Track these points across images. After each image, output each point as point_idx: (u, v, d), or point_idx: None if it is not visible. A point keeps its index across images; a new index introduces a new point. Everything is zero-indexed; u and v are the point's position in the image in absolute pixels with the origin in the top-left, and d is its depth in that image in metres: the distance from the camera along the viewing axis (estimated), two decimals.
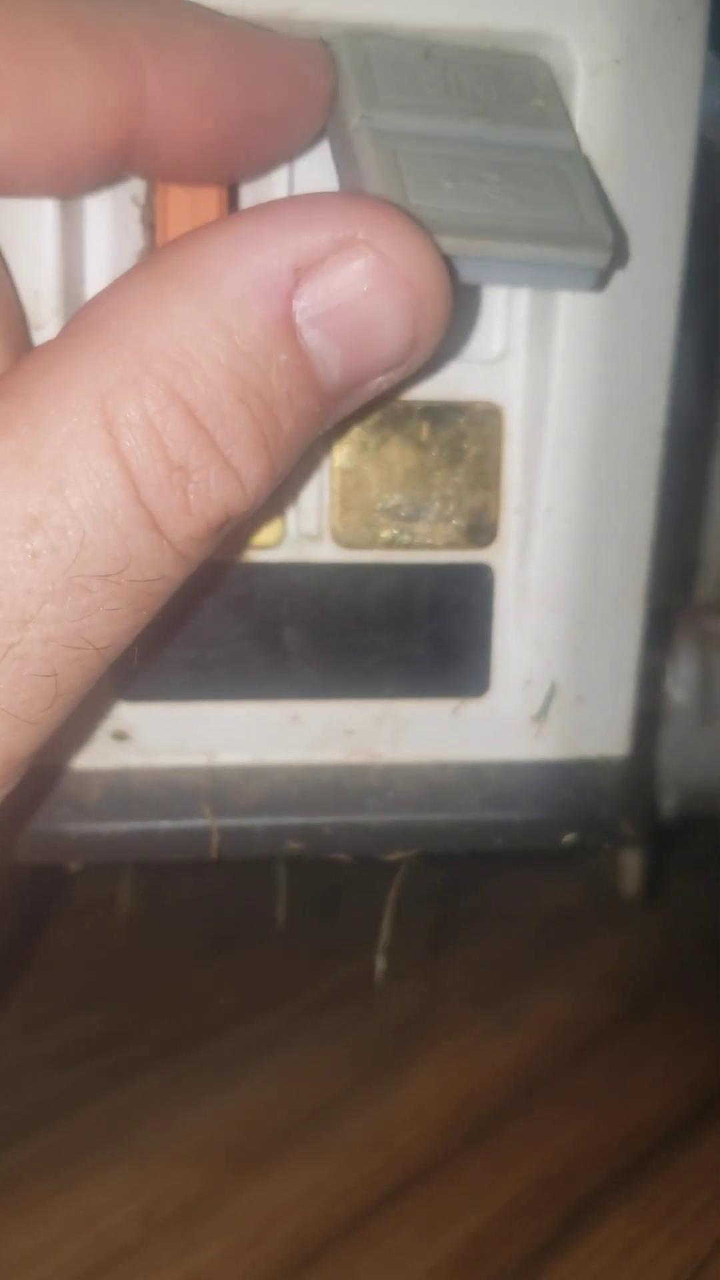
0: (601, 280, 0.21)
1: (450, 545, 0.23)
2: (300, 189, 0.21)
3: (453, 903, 0.38)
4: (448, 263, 0.17)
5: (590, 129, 0.21)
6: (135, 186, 0.21)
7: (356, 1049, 0.32)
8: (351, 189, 0.20)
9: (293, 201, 0.17)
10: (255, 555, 0.22)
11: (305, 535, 0.22)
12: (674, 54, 0.21)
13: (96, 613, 0.16)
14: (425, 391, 0.22)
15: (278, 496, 0.22)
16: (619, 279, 0.22)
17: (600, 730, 0.24)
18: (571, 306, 0.21)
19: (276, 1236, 0.27)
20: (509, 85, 0.20)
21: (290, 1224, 0.27)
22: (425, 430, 0.22)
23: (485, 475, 0.23)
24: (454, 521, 0.23)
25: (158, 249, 0.17)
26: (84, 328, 0.16)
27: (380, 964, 0.28)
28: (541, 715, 0.23)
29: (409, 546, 0.23)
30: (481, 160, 0.19)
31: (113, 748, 0.22)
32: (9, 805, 0.18)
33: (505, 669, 0.23)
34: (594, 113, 0.21)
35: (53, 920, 0.36)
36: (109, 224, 0.21)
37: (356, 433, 0.22)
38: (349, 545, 0.22)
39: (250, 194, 0.21)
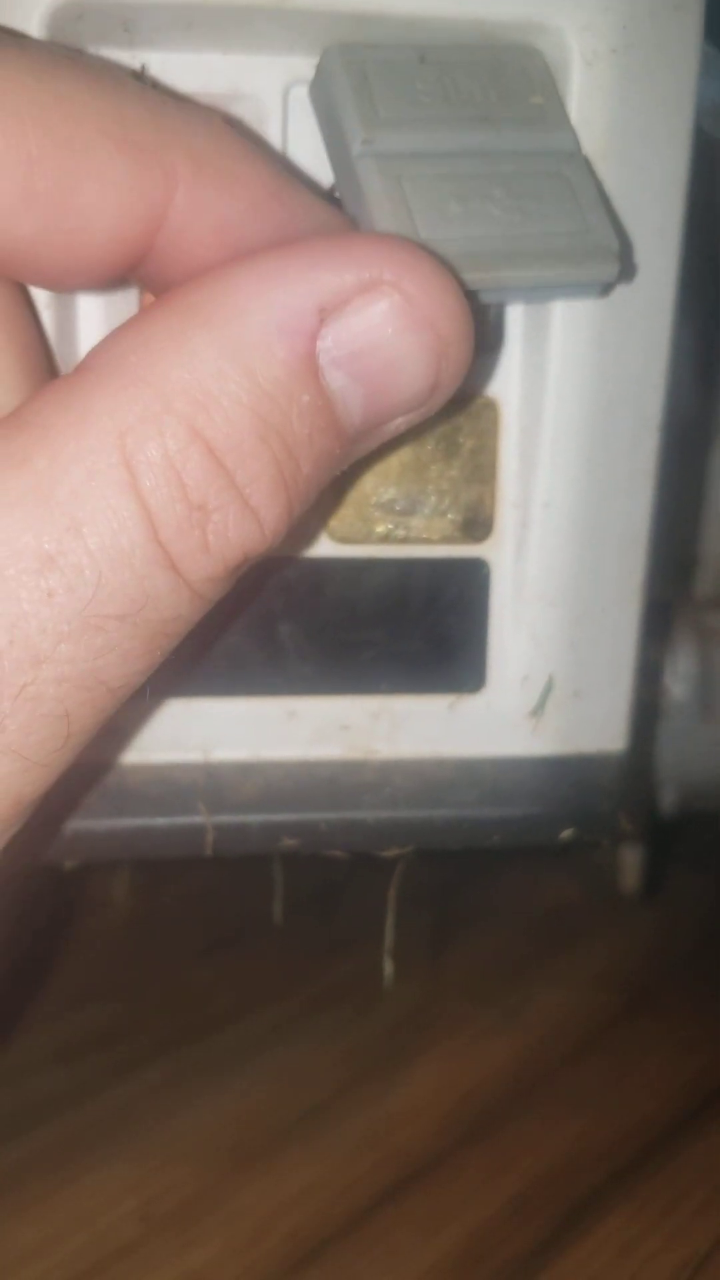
0: (609, 289, 0.21)
1: (446, 540, 0.23)
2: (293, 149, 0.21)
3: (450, 900, 0.38)
4: (469, 299, 0.17)
5: (586, 119, 0.21)
6: None
7: (355, 1047, 0.32)
8: (357, 217, 0.20)
9: (319, 240, 0.17)
10: None
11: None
12: (670, 43, 0.21)
13: (111, 653, 0.16)
14: None
15: None
16: None
17: (597, 725, 0.23)
18: (567, 301, 0.21)
19: (275, 1234, 0.27)
20: (506, 83, 0.20)
21: (289, 1222, 0.27)
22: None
23: (481, 469, 0.22)
24: (449, 516, 0.23)
25: (179, 285, 0.17)
26: (104, 363, 0.16)
27: (388, 966, 0.28)
28: (538, 710, 0.23)
29: (404, 541, 0.23)
30: (486, 174, 0.19)
31: (108, 744, 0.22)
32: (14, 845, 0.17)
33: (502, 664, 0.23)
34: (590, 103, 0.21)
35: (51, 919, 0.36)
36: None
37: None
38: (344, 540, 0.22)
39: None
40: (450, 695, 0.23)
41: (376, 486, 0.22)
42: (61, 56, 0.17)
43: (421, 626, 0.23)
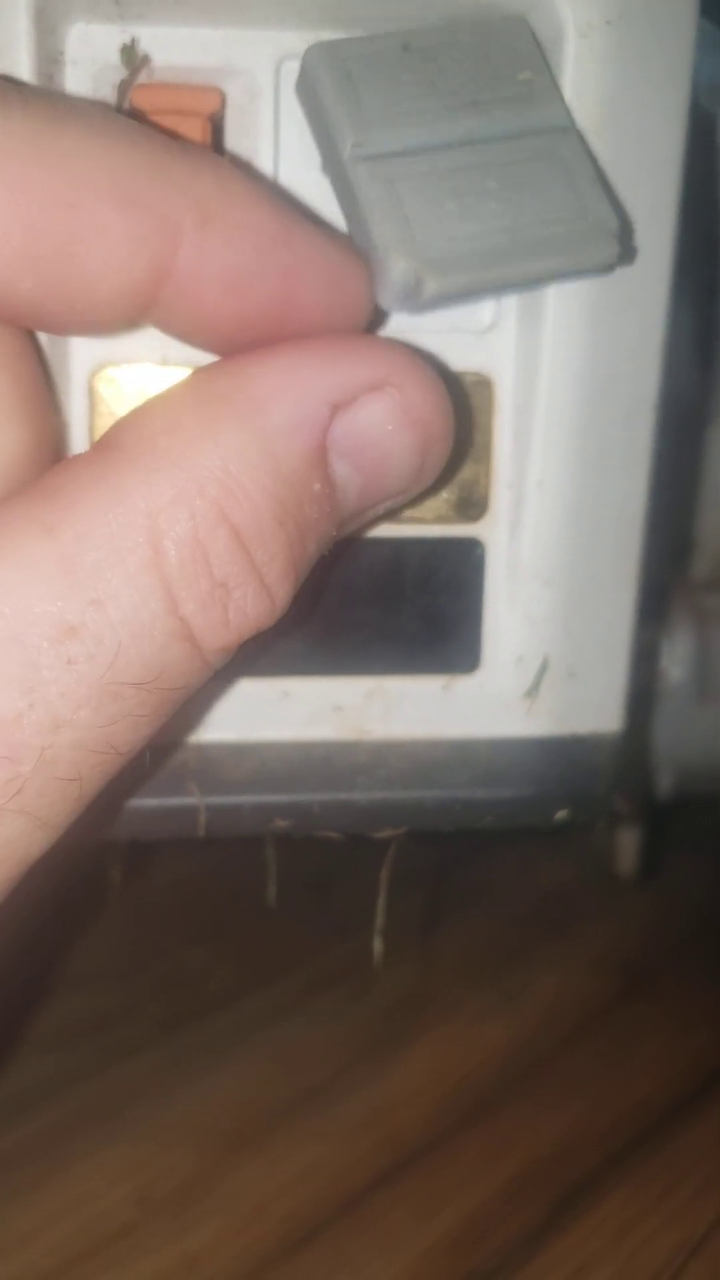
0: (612, 268, 0.21)
1: (440, 519, 0.22)
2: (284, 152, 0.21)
3: (445, 883, 0.38)
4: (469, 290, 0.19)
5: (580, 92, 0.20)
6: None
7: (351, 1029, 0.32)
8: (352, 221, 0.20)
9: (333, 340, 0.18)
10: None
11: None
12: (666, 15, 0.20)
13: (125, 718, 0.17)
14: None
15: None
16: None
17: (593, 706, 0.23)
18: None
19: (272, 1216, 0.27)
20: (493, 61, 0.20)
21: (286, 1204, 0.27)
22: None
23: (476, 448, 0.22)
24: (444, 495, 0.22)
25: (202, 368, 0.18)
26: (134, 443, 0.17)
27: (378, 945, 0.28)
28: (533, 691, 0.23)
29: (398, 520, 0.22)
30: (479, 164, 0.19)
31: None
32: (14, 898, 0.18)
33: (496, 645, 0.23)
34: (583, 76, 0.20)
35: (44, 901, 0.36)
36: None
37: None
38: None
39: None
40: (444, 676, 0.23)
41: None
42: (63, 108, 0.17)
43: (416, 607, 0.23)
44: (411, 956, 0.34)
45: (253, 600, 0.17)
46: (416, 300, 0.19)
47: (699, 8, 0.21)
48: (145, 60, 0.21)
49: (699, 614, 0.31)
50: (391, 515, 0.22)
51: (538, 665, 0.23)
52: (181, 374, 0.19)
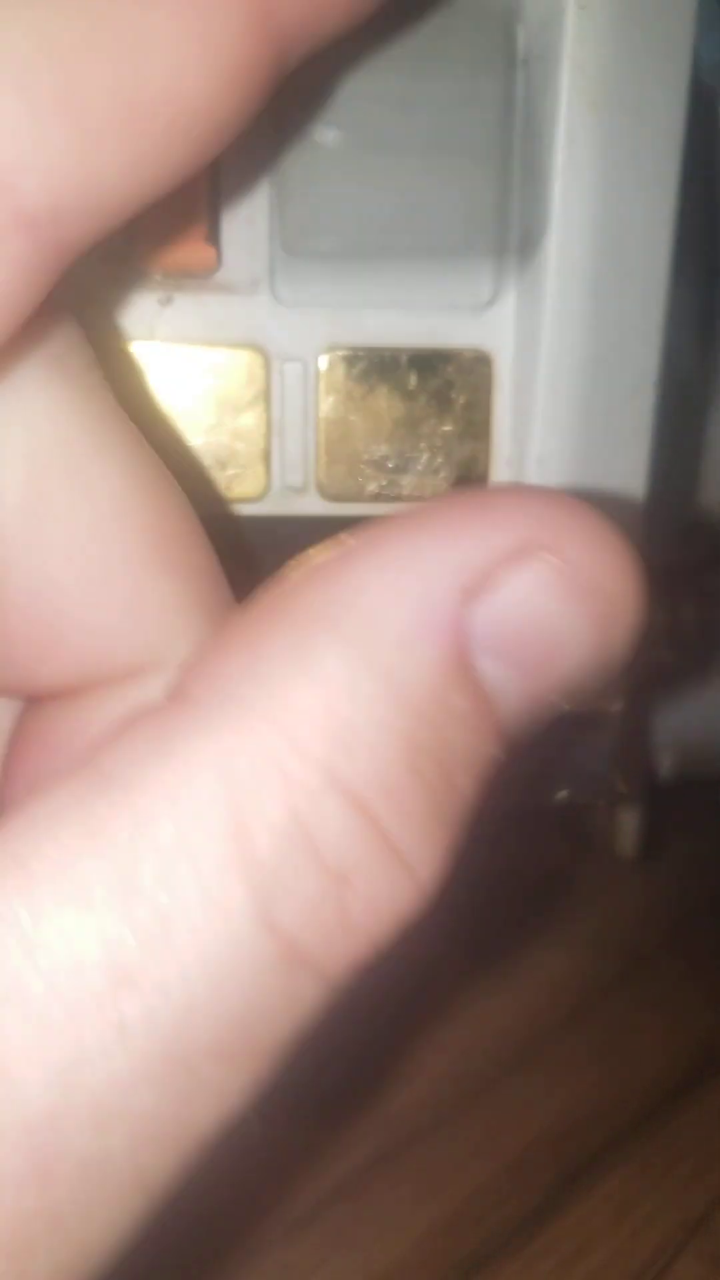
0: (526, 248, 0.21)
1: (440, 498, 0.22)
2: None
3: None
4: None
5: (579, 64, 0.20)
6: None
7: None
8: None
9: (452, 505, 0.13)
10: (239, 508, 0.22)
11: (290, 488, 0.22)
12: None
13: (205, 1093, 0.12)
14: (412, 339, 0.22)
15: (263, 447, 0.22)
16: (612, 221, 0.21)
17: (594, 687, 0.23)
18: (562, 250, 0.21)
19: (269, 1196, 0.27)
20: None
21: (283, 1185, 0.27)
22: (413, 380, 0.22)
23: (475, 425, 0.22)
24: (442, 474, 0.22)
25: (285, 579, 0.13)
26: (208, 693, 0.12)
27: None
28: None
29: (396, 499, 0.22)
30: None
31: None
32: None
33: None
34: (583, 49, 0.20)
35: None
36: None
37: (342, 382, 0.22)
38: (335, 498, 0.22)
39: None
40: None
41: (368, 443, 0.22)
42: None
43: None
44: (410, 937, 0.34)
45: (388, 887, 0.12)
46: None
47: None
48: None
49: (701, 594, 0.30)
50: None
51: None
52: None
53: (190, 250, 0.20)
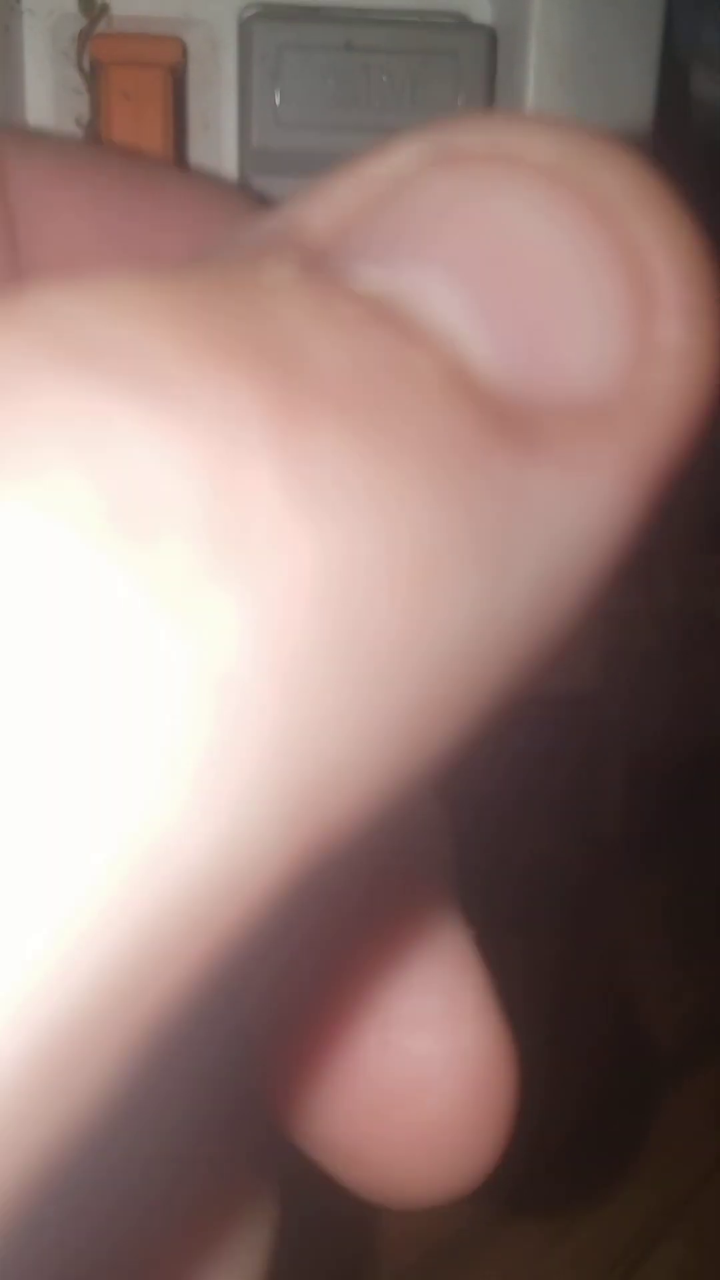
0: None
1: None
2: None
3: None
4: None
5: (547, 42, 0.20)
6: (79, 105, 0.21)
7: None
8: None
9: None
10: None
11: None
12: None
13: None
14: None
15: None
16: None
17: (571, 667, 0.23)
18: None
19: None
20: (429, 83, 0.20)
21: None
22: None
23: None
24: None
25: None
26: None
27: None
28: None
29: None
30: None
31: None
32: None
33: None
34: (550, 25, 0.20)
35: None
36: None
37: None
38: None
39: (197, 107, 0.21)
40: None
41: None
42: None
43: None
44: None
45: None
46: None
47: None
48: (104, 9, 0.20)
49: (683, 576, 0.30)
50: None
51: None
52: None
53: None
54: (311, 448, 0.07)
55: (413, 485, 0.07)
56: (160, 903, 0.07)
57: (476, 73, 0.20)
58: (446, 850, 0.13)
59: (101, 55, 0.20)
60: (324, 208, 0.08)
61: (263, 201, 0.19)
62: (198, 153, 0.21)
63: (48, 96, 0.20)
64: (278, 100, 0.19)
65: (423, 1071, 0.12)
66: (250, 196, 0.18)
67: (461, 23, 0.21)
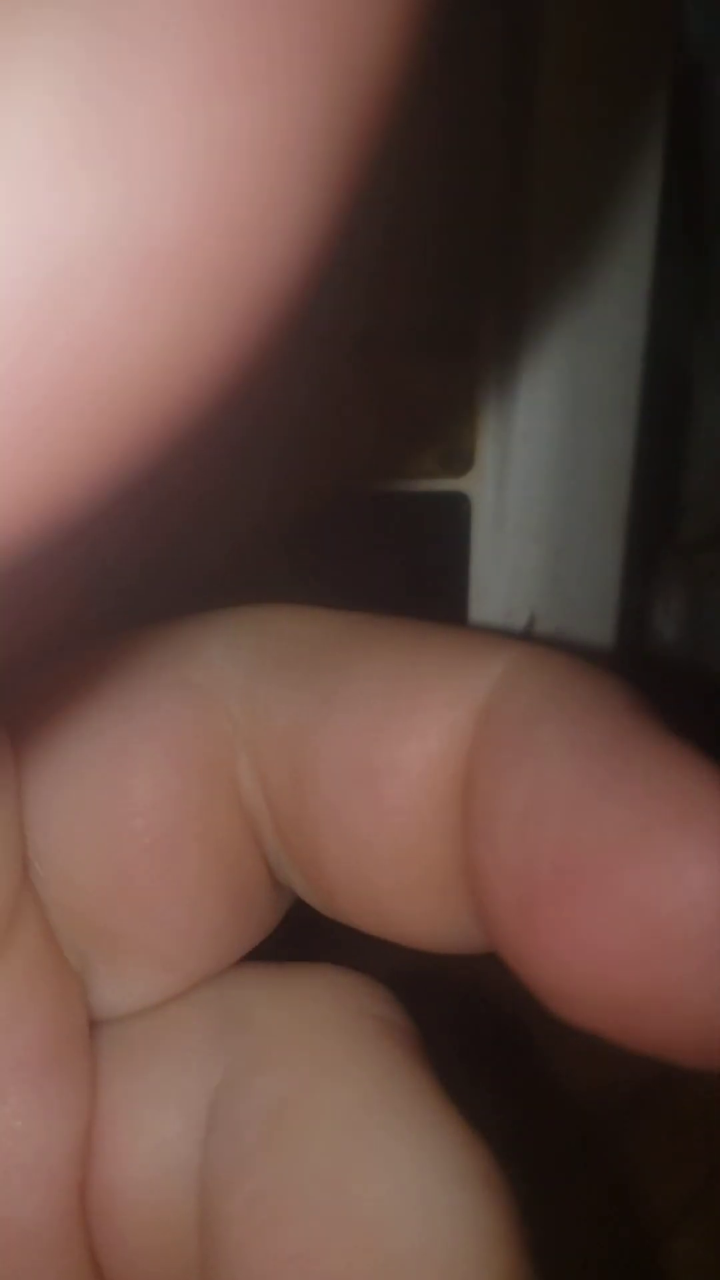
0: None
1: (426, 474, 0.22)
2: None
3: None
4: None
5: (560, 44, 0.20)
6: None
7: None
8: None
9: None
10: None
11: None
12: None
13: None
14: None
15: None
16: (596, 196, 0.21)
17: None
18: (545, 227, 0.21)
19: None
20: None
21: None
22: None
23: (460, 402, 0.22)
24: (430, 450, 0.22)
25: None
26: None
27: None
28: None
29: (385, 476, 0.22)
30: None
31: None
32: None
33: (483, 600, 0.23)
34: (563, 25, 0.20)
35: None
36: None
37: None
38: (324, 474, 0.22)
39: None
40: None
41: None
42: None
43: (402, 562, 0.23)
44: None
45: None
46: None
47: None
48: None
49: (691, 573, 0.31)
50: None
51: (524, 621, 0.23)
52: None
53: None
54: None
55: None
56: None
57: None
58: None
59: None
60: None
61: None
62: None
63: None
64: None
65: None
66: None
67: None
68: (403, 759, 0.13)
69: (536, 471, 0.22)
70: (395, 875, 0.13)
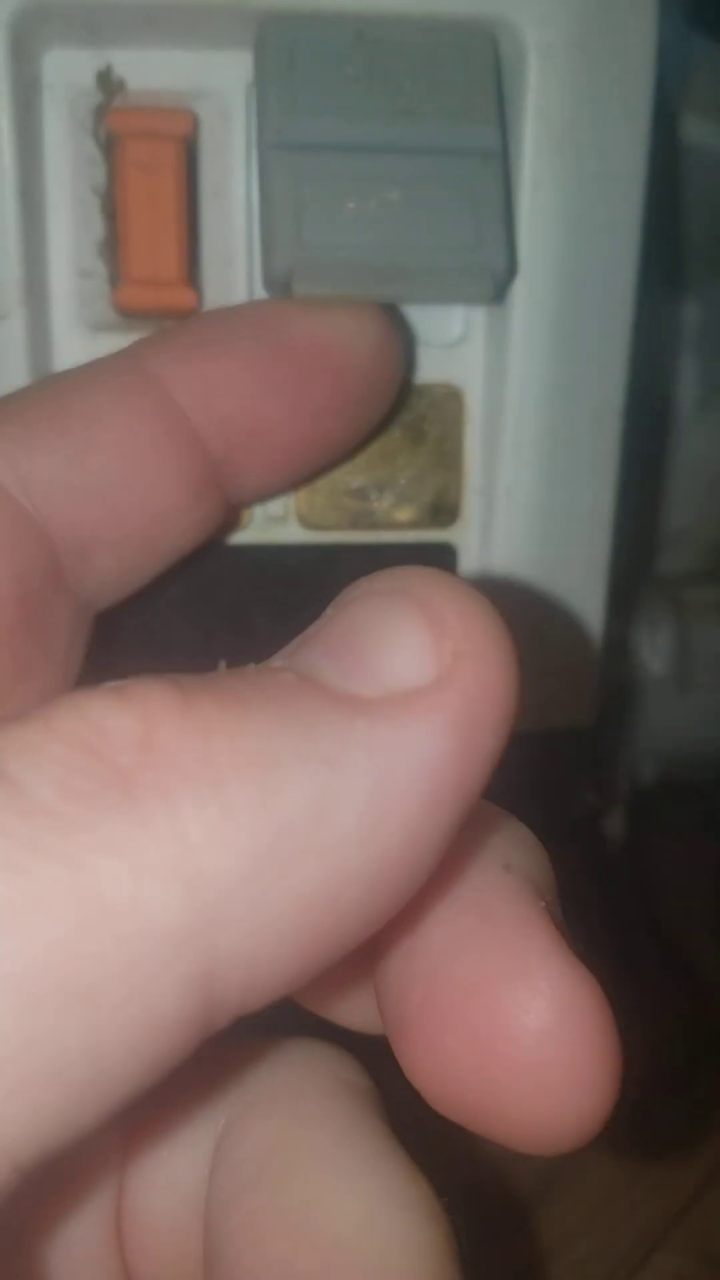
0: (496, 297, 0.22)
1: (414, 525, 0.23)
2: None
3: None
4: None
5: (542, 112, 0.21)
6: (96, 174, 0.21)
7: None
8: (261, 206, 0.21)
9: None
10: (223, 537, 0.23)
11: (271, 517, 0.23)
12: (626, 34, 0.21)
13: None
14: None
15: None
16: (576, 260, 0.22)
17: (564, 703, 0.24)
18: (527, 291, 0.22)
19: None
20: (441, 69, 0.21)
21: None
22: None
23: (447, 456, 0.23)
24: (417, 502, 0.23)
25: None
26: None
27: None
28: None
29: (373, 527, 0.23)
30: (390, 175, 0.20)
31: None
32: None
33: None
34: (546, 96, 0.21)
35: None
36: (70, 214, 0.22)
37: None
38: (314, 526, 0.23)
39: (210, 187, 0.22)
40: None
41: (346, 474, 0.23)
42: None
43: None
44: None
45: None
46: (286, 293, 0.20)
47: (658, 24, 0.21)
48: (120, 85, 0.21)
49: (677, 606, 0.31)
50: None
51: None
52: None
53: (171, 292, 0.21)
54: (198, 704, 0.12)
55: (268, 718, 0.12)
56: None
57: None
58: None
59: (117, 127, 0.21)
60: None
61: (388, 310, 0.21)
62: (209, 218, 0.22)
63: (66, 166, 0.21)
64: (299, 92, 0.20)
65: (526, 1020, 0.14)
66: (367, 312, 0.20)
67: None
68: None
69: (520, 523, 0.23)
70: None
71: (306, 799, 0.12)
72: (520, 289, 0.22)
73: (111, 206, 0.21)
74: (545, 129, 0.21)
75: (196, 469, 0.20)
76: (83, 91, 0.21)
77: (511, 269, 0.21)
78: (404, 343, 0.22)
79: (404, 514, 0.23)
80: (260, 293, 0.22)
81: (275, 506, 0.23)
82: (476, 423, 0.23)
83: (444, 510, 0.23)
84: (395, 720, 0.13)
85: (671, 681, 0.31)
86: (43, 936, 0.11)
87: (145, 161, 0.21)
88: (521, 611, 0.24)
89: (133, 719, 0.12)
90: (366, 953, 0.15)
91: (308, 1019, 0.17)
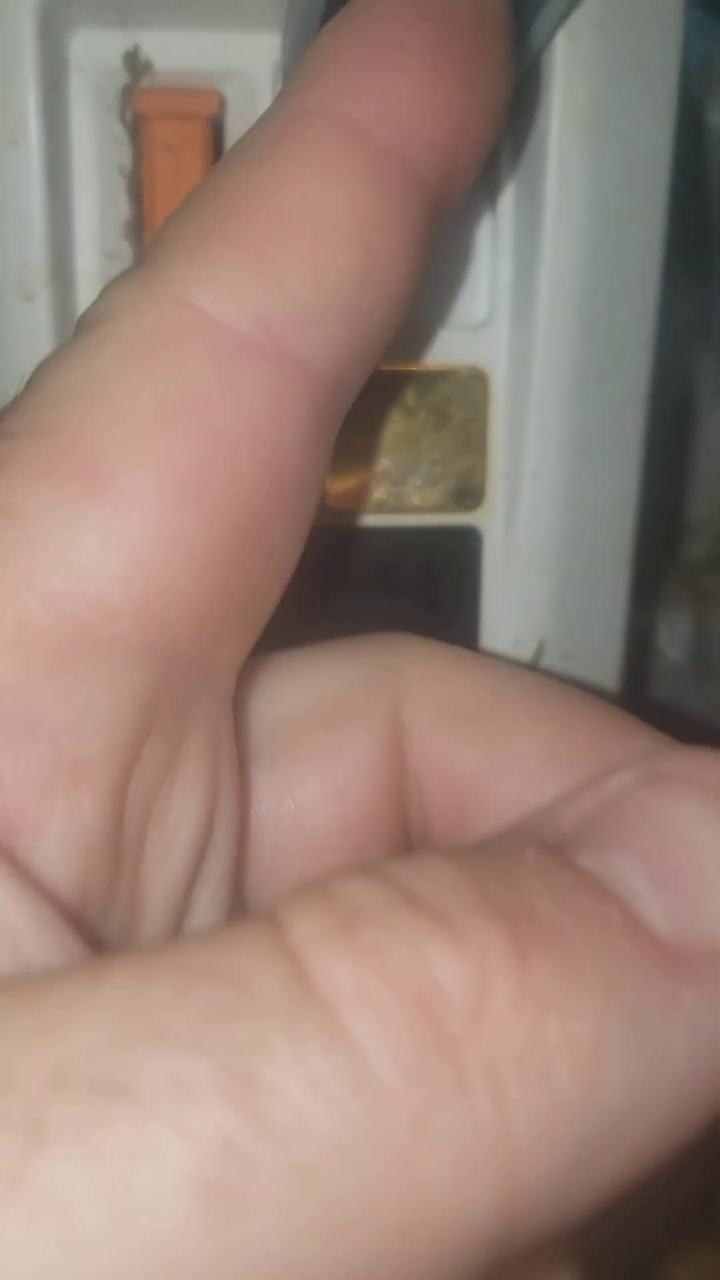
0: None
1: (438, 509, 0.23)
2: None
3: None
4: None
5: (570, 94, 0.21)
6: (122, 155, 0.21)
7: None
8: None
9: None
10: None
11: None
12: (653, 16, 0.21)
13: None
14: (412, 358, 0.23)
15: None
16: (602, 241, 0.22)
17: (587, 687, 0.24)
18: (554, 270, 0.22)
19: None
20: None
21: None
22: (412, 395, 0.23)
23: (472, 439, 0.23)
24: (441, 485, 0.23)
25: None
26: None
27: None
28: None
29: (398, 510, 0.23)
30: None
31: None
32: None
33: (494, 629, 0.24)
34: (573, 78, 0.21)
35: None
36: (96, 195, 0.22)
37: None
38: (339, 509, 0.23)
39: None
40: None
41: (370, 457, 0.23)
42: None
43: (415, 593, 0.23)
44: None
45: None
46: None
47: (684, 5, 0.21)
48: (147, 66, 0.21)
49: (696, 594, 0.31)
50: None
51: (534, 648, 0.24)
52: None
53: None
54: (534, 969, 0.11)
55: (598, 995, 0.11)
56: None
57: None
58: None
59: (144, 109, 0.21)
60: (571, 810, 0.13)
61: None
62: None
63: (93, 147, 0.21)
64: None
65: None
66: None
67: None
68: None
69: (545, 506, 0.23)
70: None
71: (628, 1094, 0.11)
72: (546, 270, 0.22)
73: (138, 187, 0.21)
74: (572, 110, 0.21)
75: (415, 199, 0.16)
76: (110, 72, 0.21)
77: None
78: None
79: (428, 497, 0.23)
80: None
81: None
82: (502, 406, 0.23)
83: (469, 494, 0.23)
84: (708, 986, 0.12)
85: (689, 669, 0.31)
86: (363, 1245, 0.10)
87: (172, 142, 0.21)
88: (545, 595, 0.24)
89: (468, 975, 0.11)
90: None
91: None
